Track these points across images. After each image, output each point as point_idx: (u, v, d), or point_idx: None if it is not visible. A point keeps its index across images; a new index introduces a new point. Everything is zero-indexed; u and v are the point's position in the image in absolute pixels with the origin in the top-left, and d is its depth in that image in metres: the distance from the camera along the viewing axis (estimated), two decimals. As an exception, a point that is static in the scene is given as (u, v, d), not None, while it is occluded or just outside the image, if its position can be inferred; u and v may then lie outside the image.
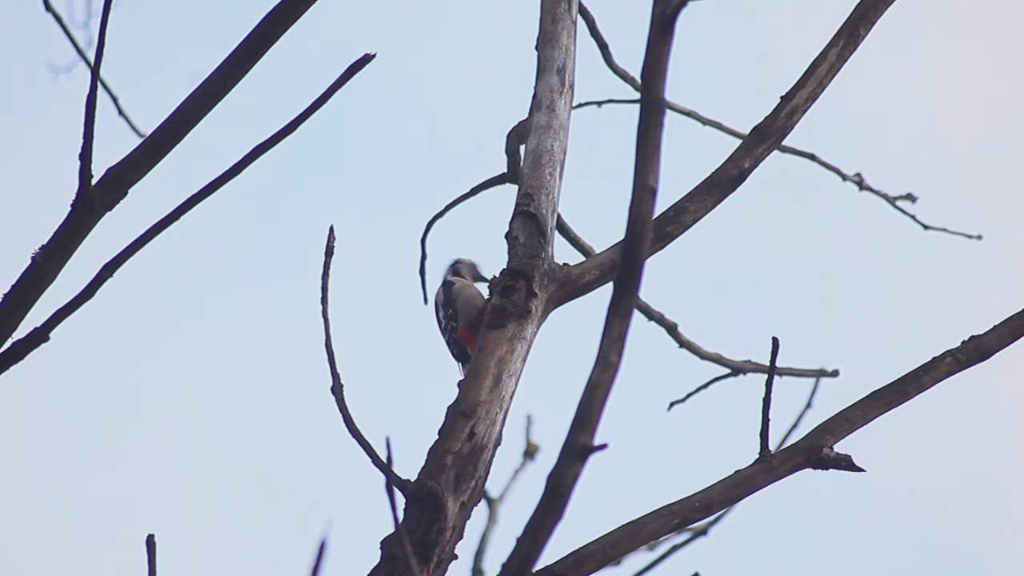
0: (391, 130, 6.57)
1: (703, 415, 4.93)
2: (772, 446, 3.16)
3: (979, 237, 5.16)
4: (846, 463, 3.15)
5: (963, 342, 3.25)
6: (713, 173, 3.46)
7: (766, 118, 3.47)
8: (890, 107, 6.79)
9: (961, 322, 3.35)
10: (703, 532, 4.20)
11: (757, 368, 4.83)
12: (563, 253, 3.51)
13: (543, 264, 3.35)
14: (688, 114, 5.02)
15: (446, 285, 3.85)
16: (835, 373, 4.94)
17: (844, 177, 5.15)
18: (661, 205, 3.19)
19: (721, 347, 4.84)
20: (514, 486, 4.13)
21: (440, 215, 4.44)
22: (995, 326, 3.27)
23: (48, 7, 5.10)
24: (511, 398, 3.22)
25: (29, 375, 2.71)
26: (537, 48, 3.75)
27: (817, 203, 6.22)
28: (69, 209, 2.69)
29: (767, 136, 3.46)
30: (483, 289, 3.82)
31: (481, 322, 3.35)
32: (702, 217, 3.44)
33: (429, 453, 3.12)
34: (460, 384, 3.25)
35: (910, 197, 5.19)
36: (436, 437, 3.14)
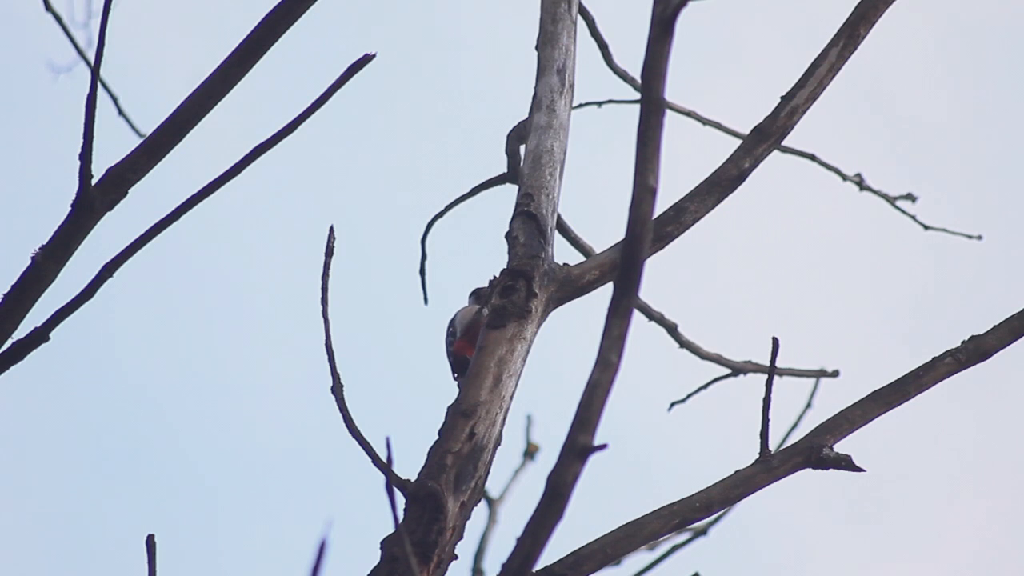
0: (391, 130, 6.57)
1: (703, 415, 4.93)
2: (772, 446, 3.16)
3: (979, 237, 5.16)
4: (846, 463, 3.15)
5: (963, 342, 3.25)
6: (713, 173, 3.46)
7: (766, 118, 3.47)
8: (890, 107, 6.79)
9: (961, 322, 3.34)
10: (703, 532, 4.20)
11: (757, 368, 4.83)
12: (563, 253, 3.51)
13: (543, 264, 3.35)
14: (688, 114, 5.01)
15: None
16: (835, 373, 4.94)
17: (844, 177, 5.15)
18: (661, 205, 3.18)
19: (721, 347, 4.84)
20: (514, 486, 4.13)
21: (440, 215, 4.44)
22: (995, 326, 3.26)
23: (48, 7, 5.10)
24: (511, 398, 3.21)
25: (30, 374, 2.71)
26: (537, 48, 3.75)
27: (817, 203, 6.22)
28: (69, 209, 2.69)
29: (767, 136, 3.46)
30: None
31: (476, 332, 3.35)
32: (702, 217, 3.44)
33: (429, 453, 3.12)
34: (460, 384, 3.24)
35: (910, 197, 5.19)
36: (436, 437, 3.14)
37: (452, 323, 3.75)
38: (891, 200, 5.18)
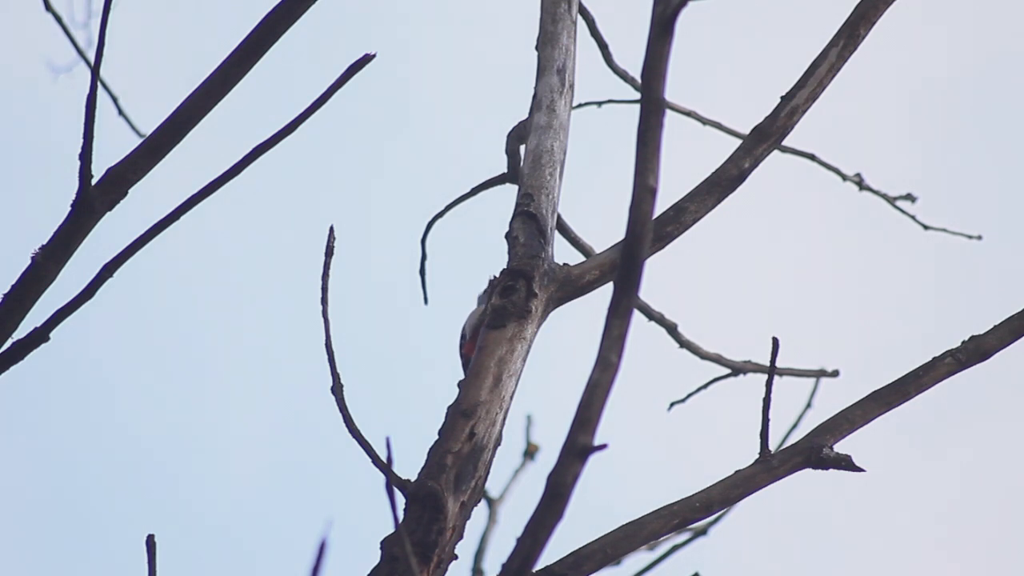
0: (391, 130, 6.57)
1: (703, 415, 4.93)
2: (772, 446, 3.16)
3: (979, 237, 5.16)
4: (846, 463, 3.15)
5: (963, 342, 3.25)
6: (713, 173, 3.45)
7: (766, 118, 3.47)
8: (890, 107, 6.79)
9: (961, 322, 3.34)
10: (703, 532, 4.20)
11: (757, 368, 4.82)
12: (563, 253, 3.50)
13: (543, 264, 3.35)
14: (688, 114, 5.01)
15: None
16: (835, 373, 4.94)
17: (844, 177, 5.14)
18: (661, 205, 3.18)
19: (721, 347, 4.84)
20: (514, 486, 4.13)
21: (440, 215, 4.44)
22: (995, 326, 3.26)
23: (48, 7, 5.10)
24: (511, 398, 3.21)
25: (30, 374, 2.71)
26: (537, 48, 3.75)
27: (817, 203, 6.22)
28: (69, 209, 2.69)
29: (767, 136, 3.45)
30: None
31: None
32: (702, 217, 3.44)
33: (429, 453, 3.12)
34: (460, 384, 3.24)
35: (910, 197, 5.19)
36: (436, 437, 3.14)
37: (464, 326, 3.76)
38: (891, 200, 5.18)
